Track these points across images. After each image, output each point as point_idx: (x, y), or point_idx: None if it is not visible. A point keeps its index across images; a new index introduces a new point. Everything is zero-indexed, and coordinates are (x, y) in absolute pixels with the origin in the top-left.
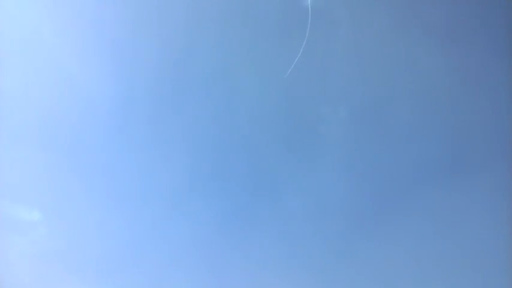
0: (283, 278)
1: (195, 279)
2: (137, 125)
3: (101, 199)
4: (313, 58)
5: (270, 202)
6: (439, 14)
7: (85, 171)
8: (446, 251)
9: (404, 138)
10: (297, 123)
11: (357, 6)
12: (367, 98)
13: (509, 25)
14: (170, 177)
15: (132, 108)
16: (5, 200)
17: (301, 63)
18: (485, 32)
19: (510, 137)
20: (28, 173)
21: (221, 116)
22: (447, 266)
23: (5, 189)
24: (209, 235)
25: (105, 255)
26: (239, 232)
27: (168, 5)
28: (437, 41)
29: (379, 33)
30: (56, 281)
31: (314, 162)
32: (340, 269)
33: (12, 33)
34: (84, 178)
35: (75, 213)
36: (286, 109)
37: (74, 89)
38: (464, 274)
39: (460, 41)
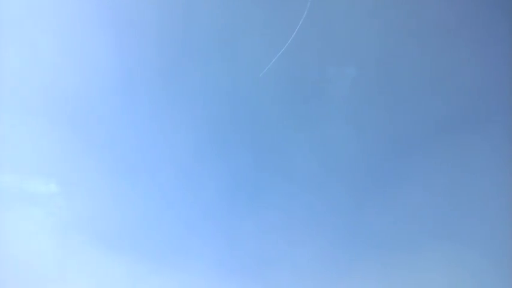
0: (292, 239)
1: (208, 244)
2: (143, 94)
3: (114, 169)
4: (319, 18)
5: (278, 164)
6: None
7: (97, 142)
8: (454, 208)
9: (412, 96)
10: (303, 84)
11: None
12: (374, 57)
13: None
14: (180, 143)
15: (136, 76)
16: (21, 174)
17: (306, 23)
18: None
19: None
20: (42, 146)
21: (225, 79)
22: (455, 222)
23: (21, 163)
24: (219, 199)
25: (120, 224)
26: (248, 195)
27: None
28: None
29: None
30: (74, 250)
31: (321, 123)
32: (348, 227)
33: (18, 4)
34: (96, 149)
35: (91, 184)
36: (292, 71)
37: (81, 61)
38: (471, 228)
39: None
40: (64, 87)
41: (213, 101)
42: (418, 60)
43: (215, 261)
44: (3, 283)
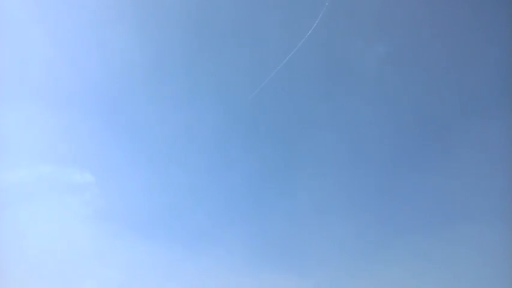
0: (322, 223)
1: (238, 230)
2: (171, 85)
3: (146, 159)
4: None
5: (307, 147)
6: None
7: (129, 134)
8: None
9: (444, 74)
10: (330, 62)
11: None
12: (405, 33)
13: None
14: (208, 133)
15: (163, 67)
16: (57, 164)
17: (333, 4)
18: None
19: None
20: (77, 137)
21: (250, 68)
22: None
23: (57, 154)
24: (248, 186)
25: (153, 212)
26: (277, 180)
27: None
28: None
29: None
30: (109, 237)
31: (350, 104)
32: (378, 209)
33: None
34: (129, 140)
35: (124, 173)
36: (319, 48)
37: (111, 54)
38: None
39: None
40: (94, 82)
41: (240, 89)
42: (454, 35)
43: (245, 247)
44: (40, 269)
